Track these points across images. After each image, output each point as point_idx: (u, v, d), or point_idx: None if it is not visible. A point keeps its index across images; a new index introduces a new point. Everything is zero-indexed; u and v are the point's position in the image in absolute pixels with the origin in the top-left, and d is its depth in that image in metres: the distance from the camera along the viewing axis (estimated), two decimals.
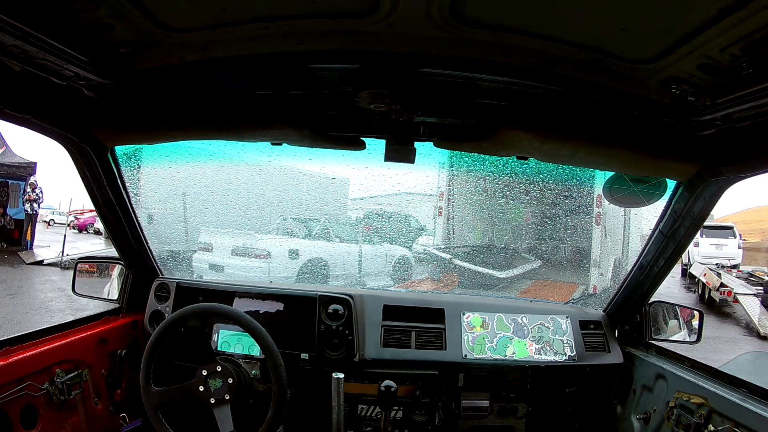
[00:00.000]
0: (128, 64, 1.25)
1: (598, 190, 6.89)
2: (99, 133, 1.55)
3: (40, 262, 11.84)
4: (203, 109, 1.47)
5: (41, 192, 14.02)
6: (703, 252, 15.70)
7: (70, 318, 2.14)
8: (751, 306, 9.72)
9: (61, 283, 9.49)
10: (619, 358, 2.08)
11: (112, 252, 2.21)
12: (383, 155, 1.51)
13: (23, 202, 13.92)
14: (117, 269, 2.35)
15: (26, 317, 7.03)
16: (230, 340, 2.02)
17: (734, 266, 15.52)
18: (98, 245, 14.91)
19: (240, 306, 2.06)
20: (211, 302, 1.90)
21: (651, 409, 1.86)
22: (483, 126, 1.42)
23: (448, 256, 7.56)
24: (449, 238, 8.25)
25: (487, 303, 2.21)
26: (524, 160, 1.58)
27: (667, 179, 1.55)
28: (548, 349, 2.06)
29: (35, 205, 13.87)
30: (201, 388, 1.72)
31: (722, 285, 10.58)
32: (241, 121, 1.47)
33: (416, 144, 1.51)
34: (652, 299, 2.06)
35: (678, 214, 1.62)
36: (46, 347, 1.71)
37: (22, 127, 1.33)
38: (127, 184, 1.87)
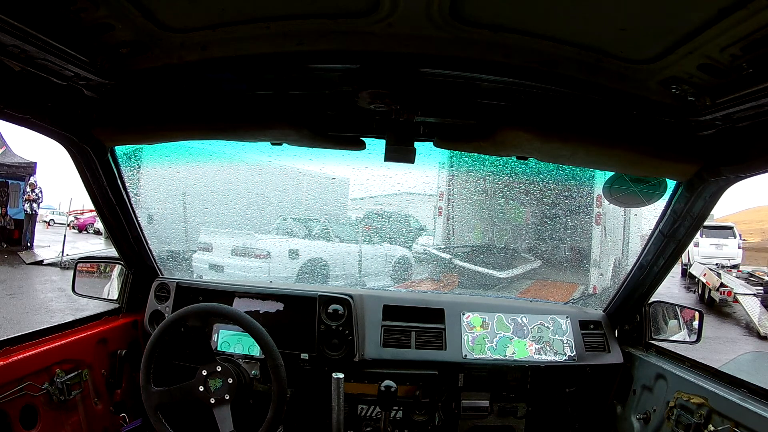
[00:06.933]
0: (128, 64, 1.25)
1: (598, 190, 6.89)
2: (99, 133, 1.55)
3: (40, 262, 11.83)
4: (203, 109, 1.47)
5: (41, 192, 14.02)
6: (703, 252, 15.70)
7: (70, 318, 2.14)
8: (751, 306, 9.72)
9: (61, 283, 9.48)
10: (619, 358, 2.08)
11: (112, 252, 2.21)
12: (383, 155, 1.52)
13: (23, 202, 13.92)
14: (117, 269, 2.35)
15: (26, 317, 7.02)
16: (230, 340, 2.02)
17: (734, 266, 15.53)
18: (98, 245, 14.90)
19: (240, 306, 2.06)
20: (211, 302, 1.90)
21: (651, 409, 1.86)
22: (483, 126, 1.42)
23: (448, 256, 7.56)
24: (449, 238, 8.26)
25: (487, 303, 2.21)
26: (524, 160, 1.58)
27: (667, 179, 1.55)
28: (548, 349, 2.06)
29: (35, 205, 13.87)
30: (201, 388, 1.72)
31: (722, 285, 10.58)
32: (241, 121, 1.47)
33: (416, 144, 1.51)
34: (652, 299, 2.06)
35: (678, 214, 1.62)
36: (46, 347, 1.71)
37: (22, 127, 1.33)
38: (127, 184, 1.87)
